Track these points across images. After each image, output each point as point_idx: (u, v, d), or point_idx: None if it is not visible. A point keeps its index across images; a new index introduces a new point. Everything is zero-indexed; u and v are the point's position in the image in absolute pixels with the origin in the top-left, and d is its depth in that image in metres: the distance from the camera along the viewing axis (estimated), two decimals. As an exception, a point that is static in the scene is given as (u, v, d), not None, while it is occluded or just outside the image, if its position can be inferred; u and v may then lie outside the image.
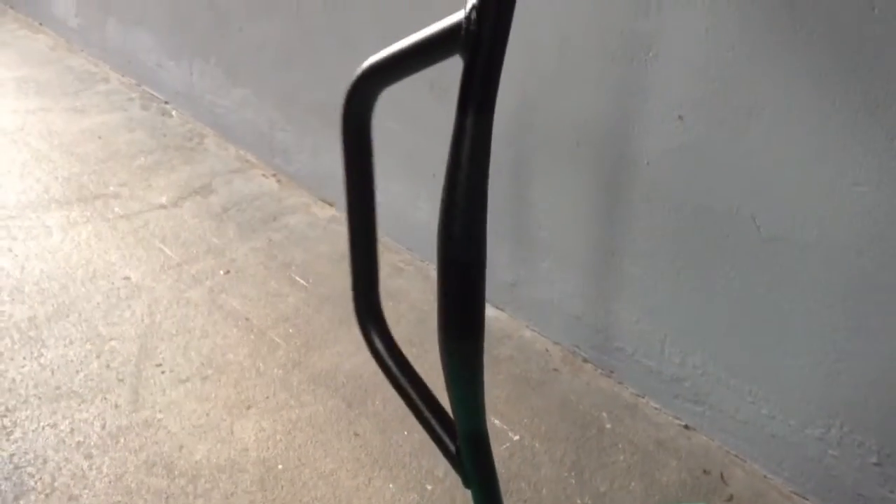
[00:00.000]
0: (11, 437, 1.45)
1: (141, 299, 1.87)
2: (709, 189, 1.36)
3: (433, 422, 0.87)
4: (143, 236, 2.14)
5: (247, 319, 1.82)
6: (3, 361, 1.64)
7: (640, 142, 1.43)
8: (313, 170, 2.36)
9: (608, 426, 1.55)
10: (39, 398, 1.55)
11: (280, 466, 1.42)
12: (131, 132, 2.78)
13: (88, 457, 1.42)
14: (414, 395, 0.88)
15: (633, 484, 1.42)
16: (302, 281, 1.98)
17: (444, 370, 0.78)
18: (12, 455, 1.41)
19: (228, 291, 1.92)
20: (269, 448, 1.46)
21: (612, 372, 1.67)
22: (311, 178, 2.39)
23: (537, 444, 1.50)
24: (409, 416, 1.53)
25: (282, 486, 1.38)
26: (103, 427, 1.49)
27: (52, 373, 1.62)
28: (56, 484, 1.36)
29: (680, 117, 1.36)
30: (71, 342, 1.71)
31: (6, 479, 1.36)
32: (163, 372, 1.64)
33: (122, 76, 3.26)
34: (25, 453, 1.42)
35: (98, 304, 1.84)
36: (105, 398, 1.56)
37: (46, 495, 1.33)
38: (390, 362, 0.90)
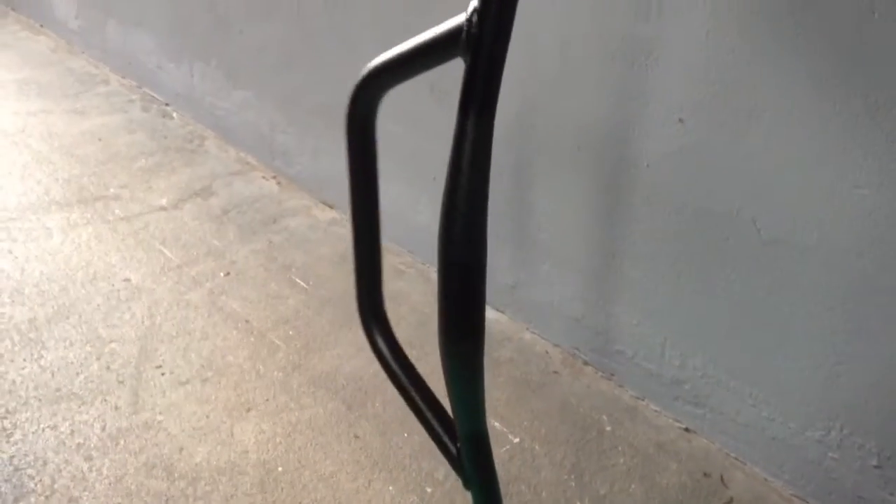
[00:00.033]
0: (11, 439, 1.45)
1: (141, 301, 1.87)
2: (709, 192, 1.36)
3: (434, 423, 0.87)
4: (143, 238, 2.14)
5: (247, 321, 1.82)
6: (4, 363, 1.64)
7: (641, 144, 1.43)
8: (314, 172, 2.37)
9: (608, 429, 1.55)
10: (39, 400, 1.55)
11: (280, 469, 1.42)
12: (132, 134, 2.78)
13: (88, 459, 1.42)
14: (416, 396, 0.88)
15: (633, 487, 1.41)
16: (302, 283, 1.98)
17: (445, 372, 0.78)
18: (12, 457, 1.41)
19: (228, 293, 1.92)
20: (269, 450, 1.46)
21: (612, 374, 1.67)
22: (311, 180, 2.39)
23: (537, 447, 1.50)
24: (410, 419, 1.53)
25: (282, 489, 1.38)
26: (103, 429, 1.49)
27: (53, 375, 1.62)
28: (56, 486, 1.36)
29: (680, 120, 1.36)
30: (71, 344, 1.71)
31: (6, 480, 1.36)
32: (163, 374, 1.64)
33: (123, 78, 3.27)
34: (25, 455, 1.42)
35: (98, 305, 1.84)
36: (105, 400, 1.56)
37: (46, 497, 1.33)
38: (393, 363, 0.90)
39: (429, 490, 1.39)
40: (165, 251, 2.08)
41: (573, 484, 1.42)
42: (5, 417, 1.50)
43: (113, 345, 1.71)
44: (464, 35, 0.63)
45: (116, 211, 2.27)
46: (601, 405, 1.61)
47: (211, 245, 2.13)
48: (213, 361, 1.68)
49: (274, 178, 2.51)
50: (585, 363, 1.72)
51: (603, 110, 1.48)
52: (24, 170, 2.47)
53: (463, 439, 0.83)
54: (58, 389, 1.58)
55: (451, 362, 0.76)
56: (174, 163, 2.58)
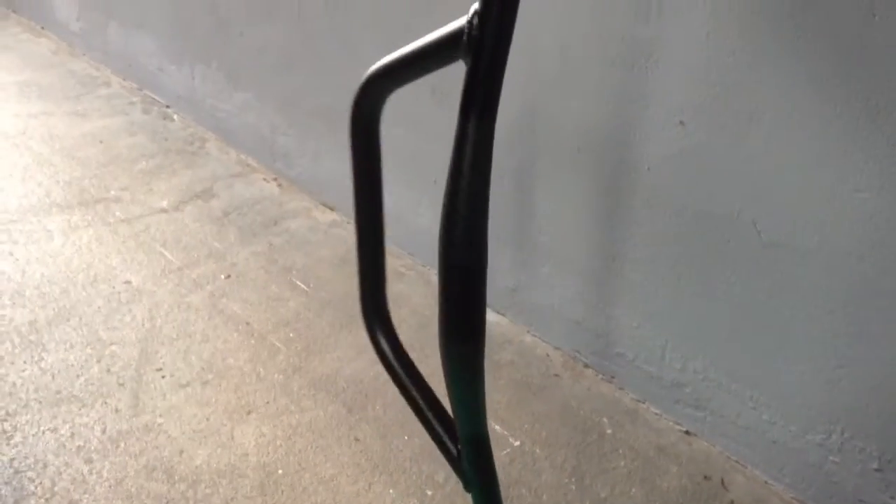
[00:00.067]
0: (12, 442, 1.45)
1: (142, 303, 1.87)
2: (710, 194, 1.36)
3: (436, 424, 0.87)
4: (143, 240, 2.14)
5: (247, 324, 1.82)
6: (4, 365, 1.64)
7: (641, 147, 1.43)
8: (314, 174, 2.37)
9: (609, 432, 1.55)
10: (40, 402, 1.55)
11: (280, 471, 1.42)
12: (133, 136, 2.78)
13: (89, 461, 1.42)
14: (418, 398, 0.88)
15: (633, 490, 1.41)
16: (303, 285, 1.98)
17: (446, 374, 0.78)
18: (12, 459, 1.41)
19: (229, 296, 1.92)
20: (269, 453, 1.46)
21: (612, 377, 1.67)
22: (312, 182, 2.39)
23: (538, 450, 1.49)
24: (410, 422, 1.53)
25: (282, 492, 1.38)
26: (103, 431, 1.49)
27: (53, 377, 1.61)
28: (56, 488, 1.36)
29: (681, 123, 1.36)
30: (71, 346, 1.71)
31: (6, 483, 1.36)
32: (163, 376, 1.64)
33: (124, 80, 3.27)
34: (26, 458, 1.42)
35: (99, 308, 1.84)
36: (105, 402, 1.56)
37: (47, 500, 1.33)
38: (396, 364, 0.91)
39: (429, 493, 1.39)
40: (166, 253, 2.08)
41: (574, 487, 1.41)
42: (6, 420, 1.50)
43: (113, 347, 1.71)
44: (465, 38, 0.64)
45: (117, 213, 2.27)
46: (602, 408, 1.61)
47: (212, 247, 2.13)
48: (213, 364, 1.68)
49: (275, 180, 2.51)
50: (586, 366, 1.72)
51: (603, 113, 1.48)
52: (25, 172, 2.47)
53: (464, 442, 0.83)
54: (58, 392, 1.58)
55: (452, 364, 0.76)
56: (175, 165, 2.58)
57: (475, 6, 0.62)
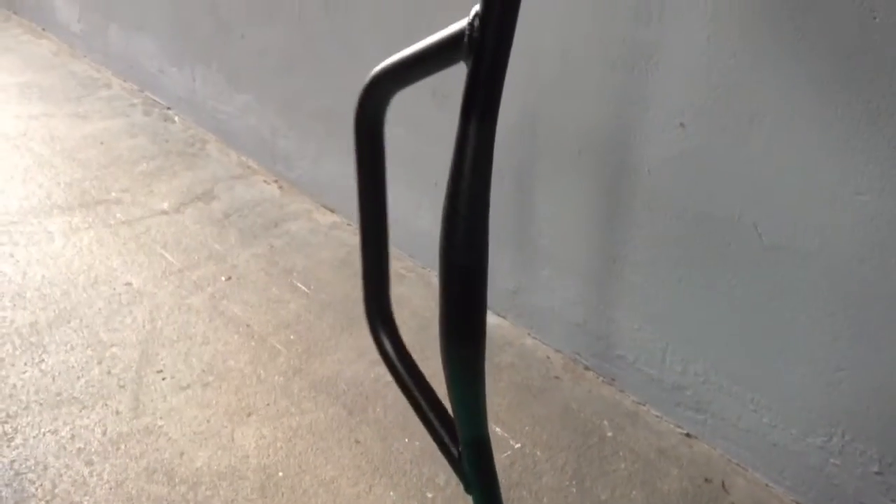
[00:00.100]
0: (12, 444, 1.45)
1: (142, 305, 1.87)
2: (710, 197, 1.36)
3: (437, 426, 0.87)
4: (144, 242, 2.14)
5: (248, 326, 1.82)
6: (5, 367, 1.64)
7: (642, 149, 1.43)
8: (315, 176, 2.37)
9: (609, 434, 1.55)
10: (40, 404, 1.55)
11: (281, 474, 1.42)
12: (133, 138, 2.78)
13: (89, 463, 1.42)
14: (420, 399, 0.88)
15: (634, 492, 1.41)
16: (303, 287, 1.98)
17: (446, 376, 0.78)
18: (13, 461, 1.41)
19: (230, 298, 1.92)
20: (269, 455, 1.46)
21: (613, 380, 1.67)
22: (312, 184, 2.40)
23: (538, 452, 1.49)
24: (410, 424, 1.53)
25: (282, 494, 1.38)
26: (104, 433, 1.49)
27: (53, 379, 1.61)
28: (57, 490, 1.35)
29: (681, 125, 1.36)
30: (72, 348, 1.71)
31: (7, 485, 1.36)
32: (164, 378, 1.64)
33: (125, 82, 3.27)
34: (26, 460, 1.41)
35: (99, 309, 1.84)
36: (106, 404, 1.56)
37: (47, 502, 1.33)
38: (399, 365, 0.91)
39: (430, 495, 1.39)
40: (167, 255, 2.08)
41: (574, 490, 1.41)
42: (6, 422, 1.50)
43: (114, 349, 1.71)
44: (466, 39, 0.64)
45: (118, 215, 2.27)
46: (602, 410, 1.61)
47: (212, 249, 2.13)
48: (214, 366, 1.68)
49: (275, 181, 2.51)
50: (586, 368, 1.71)
51: (604, 115, 1.48)
52: (26, 173, 2.47)
53: (464, 444, 0.83)
54: (59, 394, 1.57)
55: (453, 366, 0.76)
56: (175, 167, 2.58)
57: (476, 8, 0.63)
